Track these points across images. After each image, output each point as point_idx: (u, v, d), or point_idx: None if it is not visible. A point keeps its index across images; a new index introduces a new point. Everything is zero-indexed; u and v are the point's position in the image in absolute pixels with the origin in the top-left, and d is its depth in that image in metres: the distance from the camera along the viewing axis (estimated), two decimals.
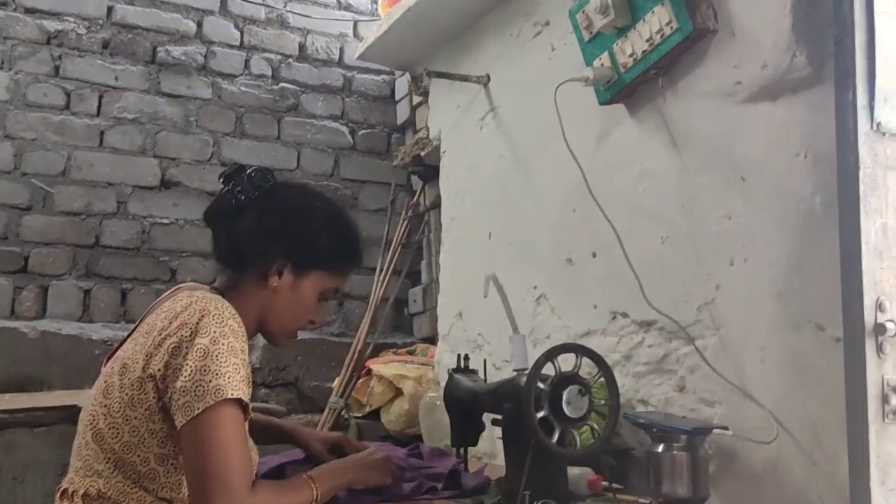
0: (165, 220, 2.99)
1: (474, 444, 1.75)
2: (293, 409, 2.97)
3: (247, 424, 1.26)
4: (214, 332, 1.23)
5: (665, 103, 1.77)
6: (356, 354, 2.91)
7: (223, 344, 1.23)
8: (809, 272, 1.44)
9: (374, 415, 2.78)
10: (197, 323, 1.23)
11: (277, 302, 1.40)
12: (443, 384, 2.56)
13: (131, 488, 1.25)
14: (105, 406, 1.27)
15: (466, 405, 1.70)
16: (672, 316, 1.68)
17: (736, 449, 1.54)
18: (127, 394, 1.25)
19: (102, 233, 2.89)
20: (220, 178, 1.46)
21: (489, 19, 2.50)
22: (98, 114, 2.92)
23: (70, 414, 2.55)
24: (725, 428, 1.51)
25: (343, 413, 2.80)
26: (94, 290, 2.85)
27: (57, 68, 2.88)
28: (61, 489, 1.30)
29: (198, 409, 1.18)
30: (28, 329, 2.66)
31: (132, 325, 2.87)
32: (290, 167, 3.20)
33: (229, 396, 1.20)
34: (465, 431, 1.73)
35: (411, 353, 3.00)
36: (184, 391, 1.20)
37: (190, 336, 1.23)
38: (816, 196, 1.44)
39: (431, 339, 3.07)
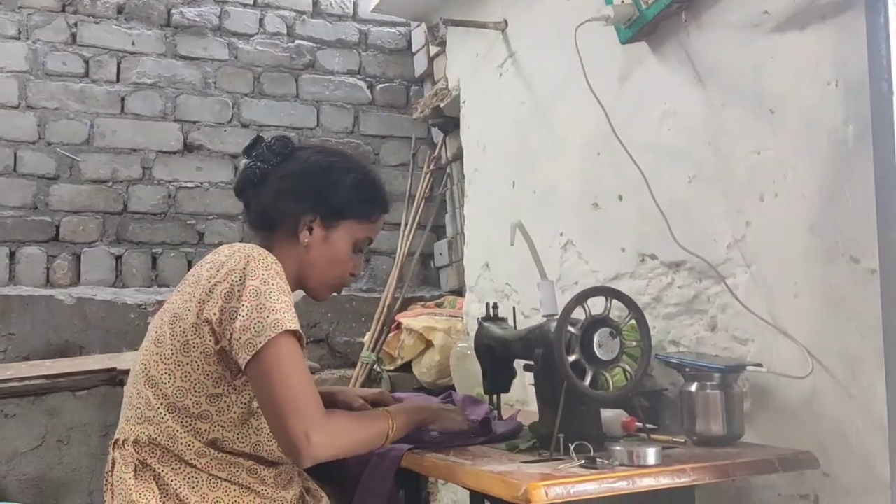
0: (190, 184, 3.01)
1: (506, 390, 1.76)
2: (326, 365, 3.01)
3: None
4: (263, 274, 1.28)
5: (689, 38, 1.72)
6: (385, 309, 2.94)
7: (273, 284, 1.28)
8: (843, 203, 1.41)
9: (406, 367, 2.81)
10: (244, 268, 1.28)
11: (313, 257, 1.44)
12: (472, 334, 2.58)
13: (181, 433, 1.29)
14: (157, 354, 1.32)
15: (497, 352, 1.70)
16: (702, 255, 1.66)
17: (770, 385, 1.53)
18: (179, 341, 1.30)
19: (130, 199, 2.92)
20: (242, 153, 1.53)
21: None
22: (117, 80, 2.93)
23: (110, 376, 2.62)
24: (759, 365, 1.50)
25: (375, 367, 2.84)
26: (126, 255, 2.89)
27: (74, 36, 2.88)
28: (114, 440, 1.35)
29: (260, 343, 1.23)
30: (64, 296, 2.71)
31: (165, 289, 2.93)
32: (310, 125, 3.20)
33: (288, 328, 1.24)
34: (497, 378, 1.74)
35: (440, 305, 3.02)
36: (244, 329, 1.24)
37: (240, 280, 1.27)
38: (849, 125, 1.40)
39: (459, 292, 3.08)
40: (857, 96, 1.36)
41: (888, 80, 1.19)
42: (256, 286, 1.26)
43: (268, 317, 1.24)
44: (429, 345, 2.74)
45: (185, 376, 1.30)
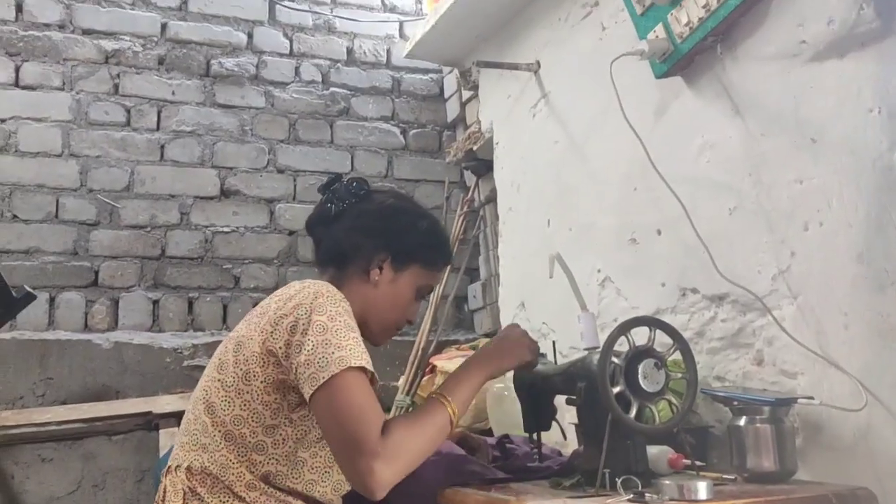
0: (226, 229, 3.04)
1: (547, 428, 1.72)
2: None
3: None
4: (331, 310, 1.29)
5: (725, 70, 1.72)
6: (419, 352, 2.91)
7: (340, 321, 1.29)
8: (891, 231, 1.38)
9: None
10: (311, 302, 1.30)
11: (378, 297, 1.47)
12: (510, 375, 2.54)
13: (234, 463, 1.29)
14: (219, 381, 1.33)
15: (538, 389, 1.67)
16: (746, 287, 1.63)
17: (823, 419, 1.48)
18: (241, 369, 1.31)
19: (167, 244, 2.95)
20: (319, 190, 1.58)
21: (536, 6, 2.48)
22: (157, 128, 3.00)
23: (146, 420, 2.61)
24: (811, 398, 1.46)
25: (410, 410, 2.80)
26: (162, 300, 2.91)
27: (116, 86, 2.97)
28: (167, 467, 1.35)
29: (323, 377, 1.23)
30: (102, 340, 2.73)
31: (200, 333, 2.95)
32: (343, 170, 3.23)
33: (353, 365, 1.24)
34: (538, 416, 1.70)
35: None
36: (308, 364, 1.24)
37: (307, 314, 1.28)
38: (893, 151, 1.38)
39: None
40: None
41: None
42: (323, 321, 1.27)
43: (333, 353, 1.24)
44: None
45: (245, 405, 1.30)
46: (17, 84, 2.85)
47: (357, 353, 1.26)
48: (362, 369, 1.26)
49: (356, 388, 1.24)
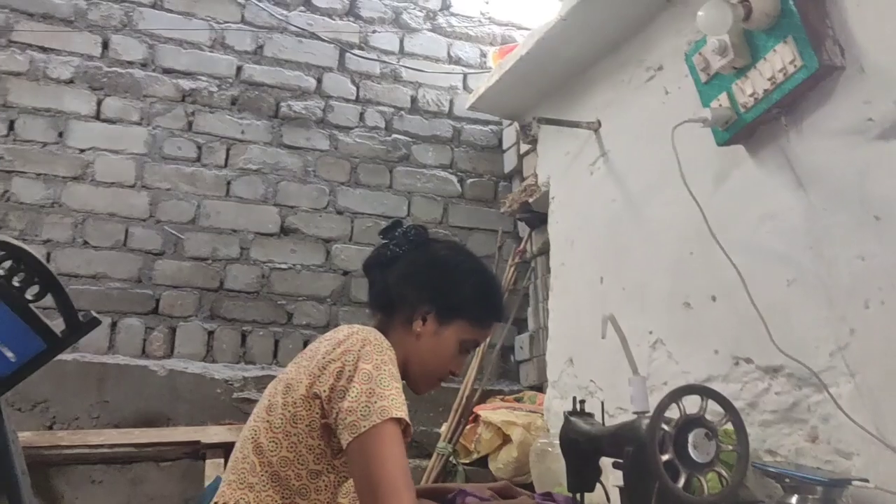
0: (283, 266, 3.12)
1: (591, 489, 1.70)
2: None
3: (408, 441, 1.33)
4: (377, 358, 1.32)
5: (789, 143, 1.73)
6: (464, 400, 2.91)
7: (385, 370, 1.31)
8: None
9: (482, 462, 2.76)
10: (359, 350, 1.32)
11: (421, 348, 1.48)
12: (553, 431, 2.52)
13: None
14: (267, 422, 1.36)
15: (583, 449, 1.67)
16: (802, 361, 1.61)
17: (877, 503, 1.44)
18: (290, 411, 1.34)
19: (226, 277, 3.04)
20: (379, 234, 1.61)
21: (600, 66, 2.53)
22: (225, 165, 3.11)
23: (194, 449, 2.66)
24: (865, 480, 1.42)
25: (451, 459, 2.80)
26: (218, 331, 2.99)
27: (190, 123, 3.10)
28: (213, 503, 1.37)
29: (364, 427, 1.25)
30: (157, 367, 2.81)
31: (251, 366, 3.00)
32: (400, 215, 3.29)
33: (394, 416, 1.26)
34: (582, 476, 1.69)
35: (519, 400, 2.97)
36: (350, 411, 1.27)
37: (354, 361, 1.31)
38: None
39: (538, 387, 3.04)
40: None
41: None
42: (369, 370, 1.30)
43: (376, 402, 1.26)
44: (506, 440, 2.69)
45: (291, 447, 1.33)
46: (97, 117, 3.01)
47: (398, 403, 1.28)
48: (400, 421, 1.28)
49: (394, 441, 1.26)
